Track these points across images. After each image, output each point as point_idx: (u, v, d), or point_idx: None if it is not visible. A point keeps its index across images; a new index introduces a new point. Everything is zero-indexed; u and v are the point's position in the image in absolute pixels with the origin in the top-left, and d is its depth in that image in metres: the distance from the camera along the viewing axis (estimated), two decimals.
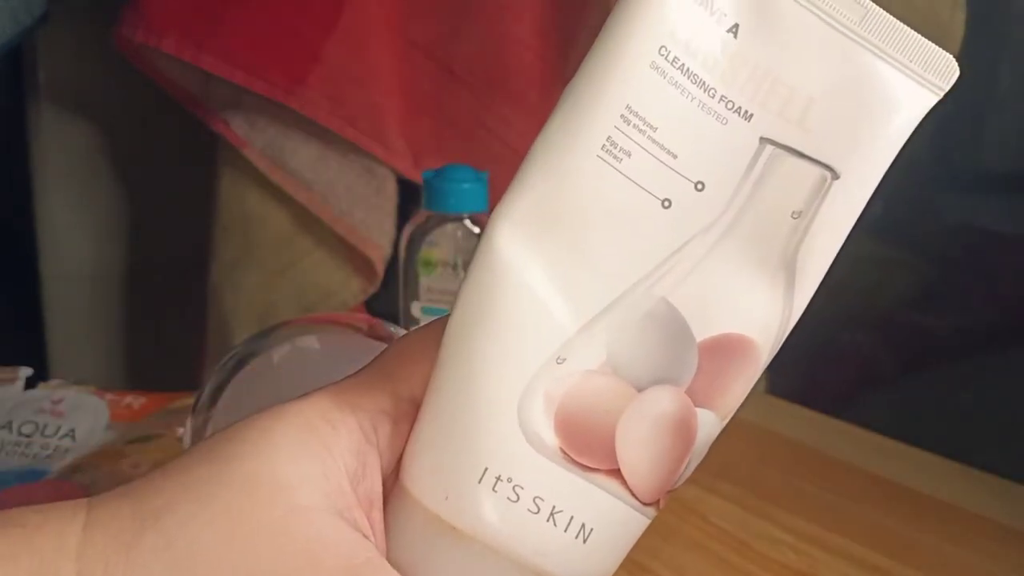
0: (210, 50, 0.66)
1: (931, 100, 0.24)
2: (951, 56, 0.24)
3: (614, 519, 0.25)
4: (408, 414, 0.26)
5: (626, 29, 0.23)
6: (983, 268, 0.83)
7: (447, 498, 0.24)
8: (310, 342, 0.42)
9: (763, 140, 0.24)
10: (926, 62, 0.24)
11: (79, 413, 0.55)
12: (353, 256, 0.71)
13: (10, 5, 0.69)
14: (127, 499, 0.24)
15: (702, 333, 0.24)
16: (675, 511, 0.55)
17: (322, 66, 0.67)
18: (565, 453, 0.24)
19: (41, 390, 0.57)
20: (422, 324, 0.28)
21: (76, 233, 0.86)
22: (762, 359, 0.25)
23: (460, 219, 0.57)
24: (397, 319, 0.59)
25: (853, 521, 0.54)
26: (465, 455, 0.24)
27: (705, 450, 0.25)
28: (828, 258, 0.25)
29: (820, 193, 0.24)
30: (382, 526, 0.25)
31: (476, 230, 0.57)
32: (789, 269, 0.24)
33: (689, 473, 0.25)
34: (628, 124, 0.23)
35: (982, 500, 0.56)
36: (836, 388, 0.83)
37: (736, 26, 0.24)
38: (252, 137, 0.69)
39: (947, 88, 0.24)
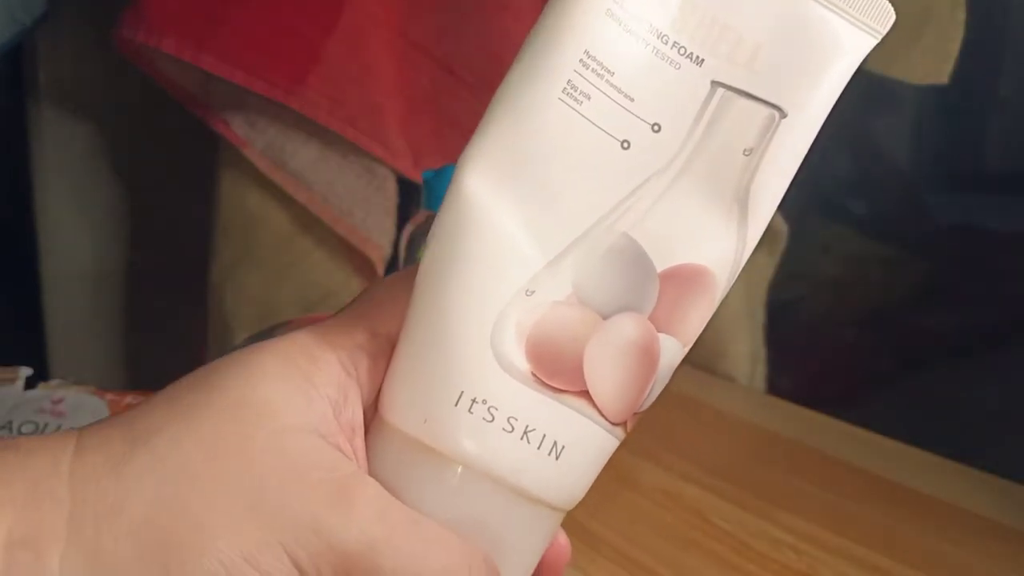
0: (210, 50, 0.66)
1: (870, 43, 0.26)
2: (886, 1, 0.26)
3: (585, 437, 0.26)
4: (385, 351, 0.27)
5: None
6: (982, 268, 0.83)
7: (425, 421, 0.25)
8: None
9: (714, 83, 0.25)
10: (864, 8, 0.26)
11: (79, 413, 0.55)
12: (353, 256, 0.71)
13: (10, 5, 0.69)
14: (116, 426, 0.25)
15: (662, 264, 0.25)
16: (675, 511, 0.55)
17: (322, 66, 0.67)
18: (536, 377, 0.25)
19: (41, 390, 0.57)
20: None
21: (76, 233, 0.86)
22: (719, 288, 0.26)
23: None
24: None
25: (853, 521, 0.54)
26: (441, 381, 0.25)
27: (669, 375, 0.27)
28: (778, 193, 0.26)
29: (769, 131, 0.25)
30: (364, 452, 0.26)
31: None
32: (742, 204, 0.26)
33: (653, 397, 0.27)
34: (587, 68, 0.25)
35: (982, 500, 0.56)
36: (836, 388, 0.83)
37: None
38: (252, 137, 0.69)
39: (884, 32, 0.26)
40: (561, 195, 0.25)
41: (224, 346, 0.70)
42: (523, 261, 0.25)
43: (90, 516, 0.23)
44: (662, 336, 0.26)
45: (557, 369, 0.25)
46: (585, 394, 0.25)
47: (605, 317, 0.25)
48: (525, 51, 0.25)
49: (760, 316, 0.78)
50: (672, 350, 0.26)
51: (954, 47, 0.71)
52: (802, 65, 0.25)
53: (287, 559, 0.23)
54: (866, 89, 0.84)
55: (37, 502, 0.23)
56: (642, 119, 0.25)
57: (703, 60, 0.25)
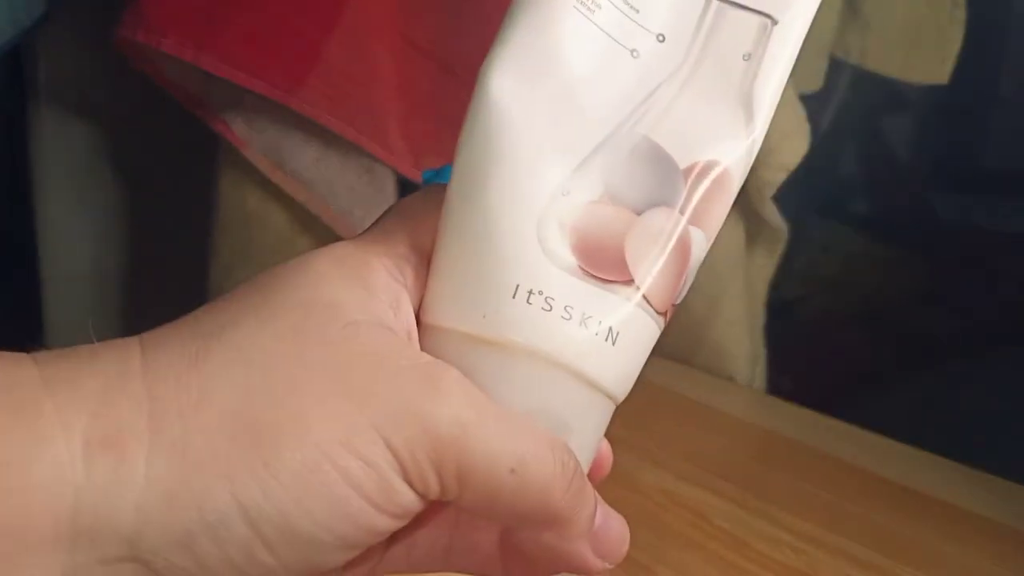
0: (210, 50, 0.66)
1: None
2: None
3: (635, 323, 0.27)
4: (424, 263, 0.27)
5: None
6: (982, 268, 0.83)
7: (485, 316, 0.26)
8: None
9: None
10: None
11: None
12: None
13: (10, 6, 0.69)
14: (180, 327, 0.25)
15: (682, 163, 0.27)
16: (675, 511, 0.55)
17: (322, 66, 0.67)
18: (584, 269, 0.26)
19: None
20: None
21: (76, 233, 0.86)
22: (734, 183, 0.28)
23: None
24: None
25: (853, 521, 0.54)
26: (496, 276, 0.26)
27: (697, 268, 0.28)
28: (777, 92, 0.28)
29: (764, 37, 0.28)
30: None
31: None
32: (746, 105, 0.28)
33: (686, 290, 0.28)
34: None
35: (982, 500, 0.56)
36: (836, 388, 0.83)
37: None
38: (252, 137, 0.69)
39: None
40: (581, 100, 0.26)
41: None
42: (556, 161, 0.26)
43: (173, 412, 0.22)
44: (691, 228, 0.27)
45: (602, 262, 0.26)
46: (631, 283, 0.26)
47: (639, 213, 0.27)
48: None
49: (760, 316, 0.78)
50: (700, 242, 0.28)
51: (954, 47, 0.71)
52: None
53: (382, 443, 0.23)
54: (866, 89, 0.84)
55: (112, 401, 0.22)
56: (647, 29, 0.27)
57: None
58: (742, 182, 0.28)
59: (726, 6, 0.27)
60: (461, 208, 0.27)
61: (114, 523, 0.22)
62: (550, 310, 0.26)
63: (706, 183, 0.27)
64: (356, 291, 0.25)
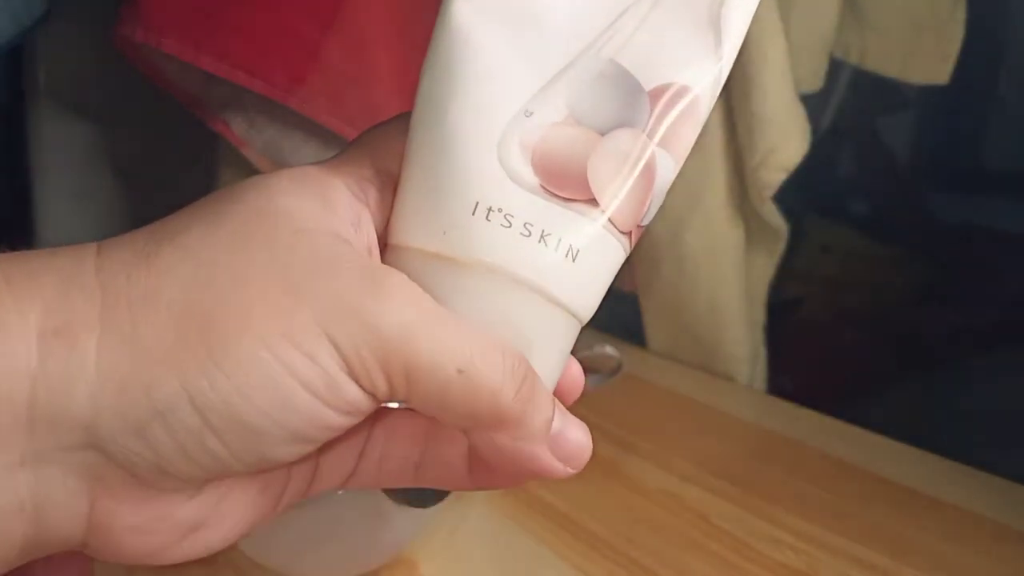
0: (209, 50, 0.66)
1: None
2: None
3: (596, 242, 0.27)
4: (389, 186, 0.27)
5: None
6: (983, 268, 0.83)
7: (445, 233, 0.26)
8: None
9: None
10: None
11: None
12: None
13: (10, 6, 0.69)
14: (136, 233, 0.25)
15: (648, 85, 0.27)
16: (675, 511, 0.55)
17: (321, 66, 0.67)
18: (545, 188, 0.26)
19: None
20: None
21: (76, 233, 0.86)
22: (702, 105, 0.28)
23: None
24: None
25: (853, 521, 0.54)
26: (456, 194, 0.26)
27: (664, 191, 0.28)
28: (746, 18, 0.28)
29: None
30: None
31: None
32: (715, 28, 0.28)
33: (653, 213, 0.28)
34: None
35: (982, 500, 0.56)
36: (836, 388, 0.83)
37: None
38: (251, 137, 0.69)
39: None
40: (547, 21, 0.26)
41: None
42: (518, 83, 0.26)
43: (124, 305, 0.23)
44: (657, 149, 0.27)
45: (564, 181, 0.26)
46: (592, 202, 0.26)
47: (603, 134, 0.26)
48: None
49: (760, 316, 0.78)
50: (666, 164, 0.27)
51: (954, 47, 0.71)
52: None
53: (325, 338, 0.23)
54: (866, 89, 0.84)
55: (67, 294, 0.23)
56: None
57: None
58: (710, 108, 0.28)
59: None
60: (424, 131, 0.27)
61: (70, 411, 0.23)
62: (509, 227, 0.26)
63: (675, 108, 0.27)
64: (313, 204, 0.25)
